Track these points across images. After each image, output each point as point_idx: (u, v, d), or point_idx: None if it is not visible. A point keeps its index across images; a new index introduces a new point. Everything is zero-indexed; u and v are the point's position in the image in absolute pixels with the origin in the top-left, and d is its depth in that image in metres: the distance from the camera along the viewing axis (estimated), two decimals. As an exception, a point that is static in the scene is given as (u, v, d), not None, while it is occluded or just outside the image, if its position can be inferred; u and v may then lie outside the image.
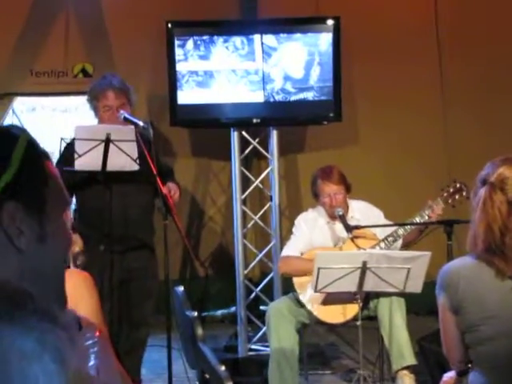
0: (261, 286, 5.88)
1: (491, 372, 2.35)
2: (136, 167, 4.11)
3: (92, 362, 1.24)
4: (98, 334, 1.27)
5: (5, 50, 5.77)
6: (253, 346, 5.67)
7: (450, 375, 2.51)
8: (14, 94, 5.82)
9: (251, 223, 5.95)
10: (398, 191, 6.18)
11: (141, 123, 4.08)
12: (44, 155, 1.20)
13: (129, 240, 4.33)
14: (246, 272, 5.74)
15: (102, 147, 4.03)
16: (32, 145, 1.17)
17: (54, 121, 6.86)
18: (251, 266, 5.89)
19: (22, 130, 1.18)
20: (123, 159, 4.07)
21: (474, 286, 2.33)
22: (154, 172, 3.92)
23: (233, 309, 6.15)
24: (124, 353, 4.50)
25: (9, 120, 6.64)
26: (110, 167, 4.09)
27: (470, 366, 2.40)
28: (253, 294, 5.82)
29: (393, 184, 6.27)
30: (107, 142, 4.02)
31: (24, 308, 0.96)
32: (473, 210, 2.36)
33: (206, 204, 6.61)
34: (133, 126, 4.10)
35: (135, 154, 4.09)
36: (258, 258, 5.90)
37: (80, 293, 2.26)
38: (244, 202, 5.96)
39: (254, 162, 6.33)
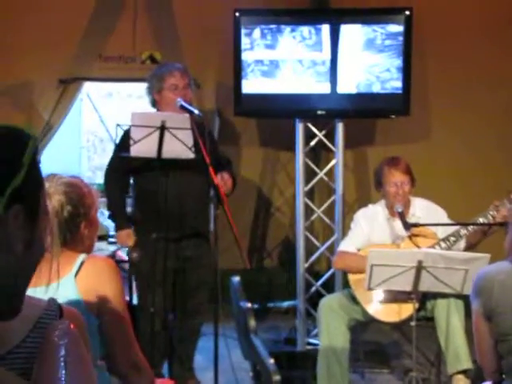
0: (322, 279, 5.81)
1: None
2: (192, 155, 4.09)
3: (61, 353, 1.24)
4: (71, 326, 1.26)
5: (75, 34, 5.81)
6: (311, 340, 5.61)
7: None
8: (82, 78, 5.85)
9: (314, 216, 5.88)
10: (463, 192, 5.98)
11: (196, 112, 4.06)
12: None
13: (184, 228, 4.33)
14: (306, 265, 5.68)
15: (157, 134, 4.04)
16: (36, 150, 1.17)
17: (130, 107, 6.91)
18: (312, 259, 5.81)
19: (30, 134, 1.18)
20: (178, 147, 4.06)
21: (509, 291, 2.21)
22: (207, 161, 3.90)
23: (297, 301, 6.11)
24: (178, 340, 4.53)
25: (80, 105, 6.76)
26: (166, 154, 4.09)
27: (504, 376, 2.28)
28: (313, 288, 5.76)
29: (459, 184, 6.06)
30: (162, 129, 4.02)
31: None
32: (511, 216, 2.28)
33: (274, 195, 6.55)
34: (188, 115, 4.09)
35: (190, 142, 4.07)
36: (319, 252, 5.82)
37: (102, 278, 2.28)
38: (310, 194, 5.88)
39: (322, 154, 6.24)
